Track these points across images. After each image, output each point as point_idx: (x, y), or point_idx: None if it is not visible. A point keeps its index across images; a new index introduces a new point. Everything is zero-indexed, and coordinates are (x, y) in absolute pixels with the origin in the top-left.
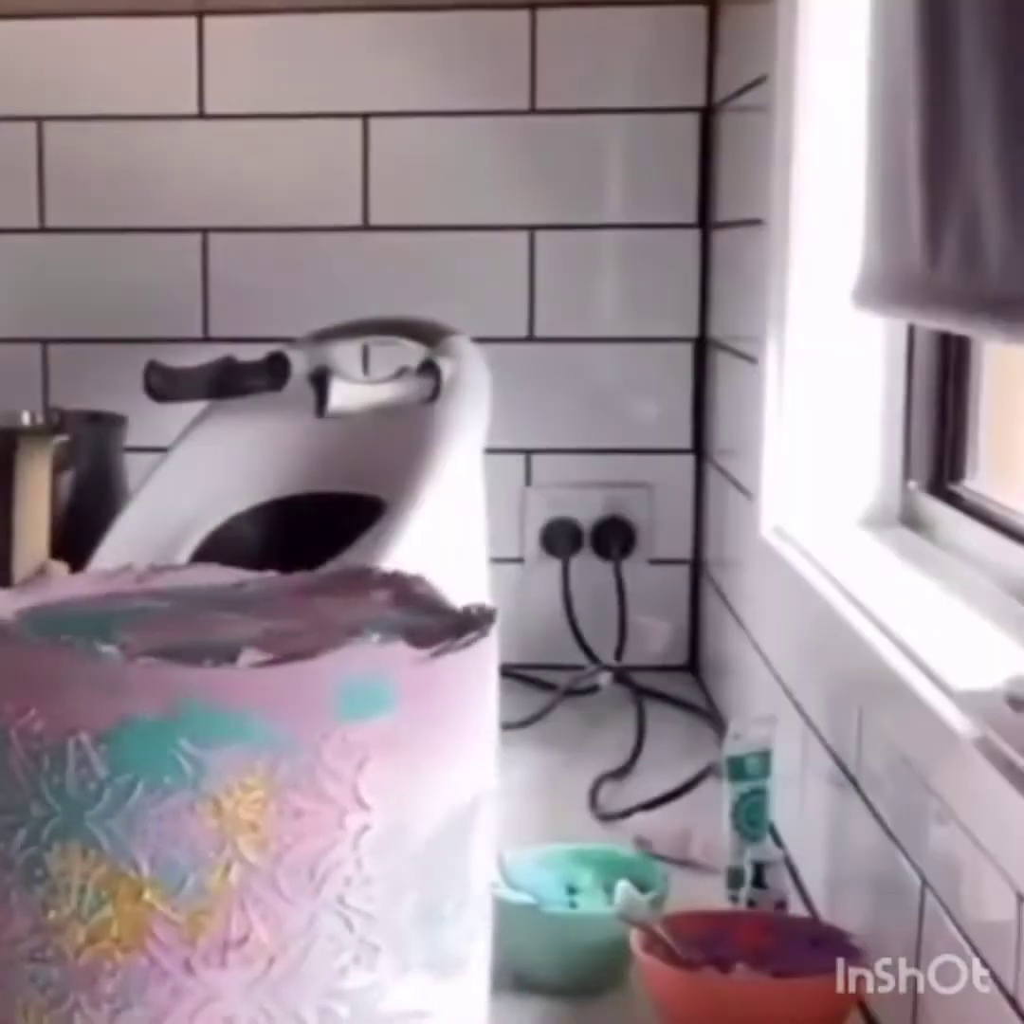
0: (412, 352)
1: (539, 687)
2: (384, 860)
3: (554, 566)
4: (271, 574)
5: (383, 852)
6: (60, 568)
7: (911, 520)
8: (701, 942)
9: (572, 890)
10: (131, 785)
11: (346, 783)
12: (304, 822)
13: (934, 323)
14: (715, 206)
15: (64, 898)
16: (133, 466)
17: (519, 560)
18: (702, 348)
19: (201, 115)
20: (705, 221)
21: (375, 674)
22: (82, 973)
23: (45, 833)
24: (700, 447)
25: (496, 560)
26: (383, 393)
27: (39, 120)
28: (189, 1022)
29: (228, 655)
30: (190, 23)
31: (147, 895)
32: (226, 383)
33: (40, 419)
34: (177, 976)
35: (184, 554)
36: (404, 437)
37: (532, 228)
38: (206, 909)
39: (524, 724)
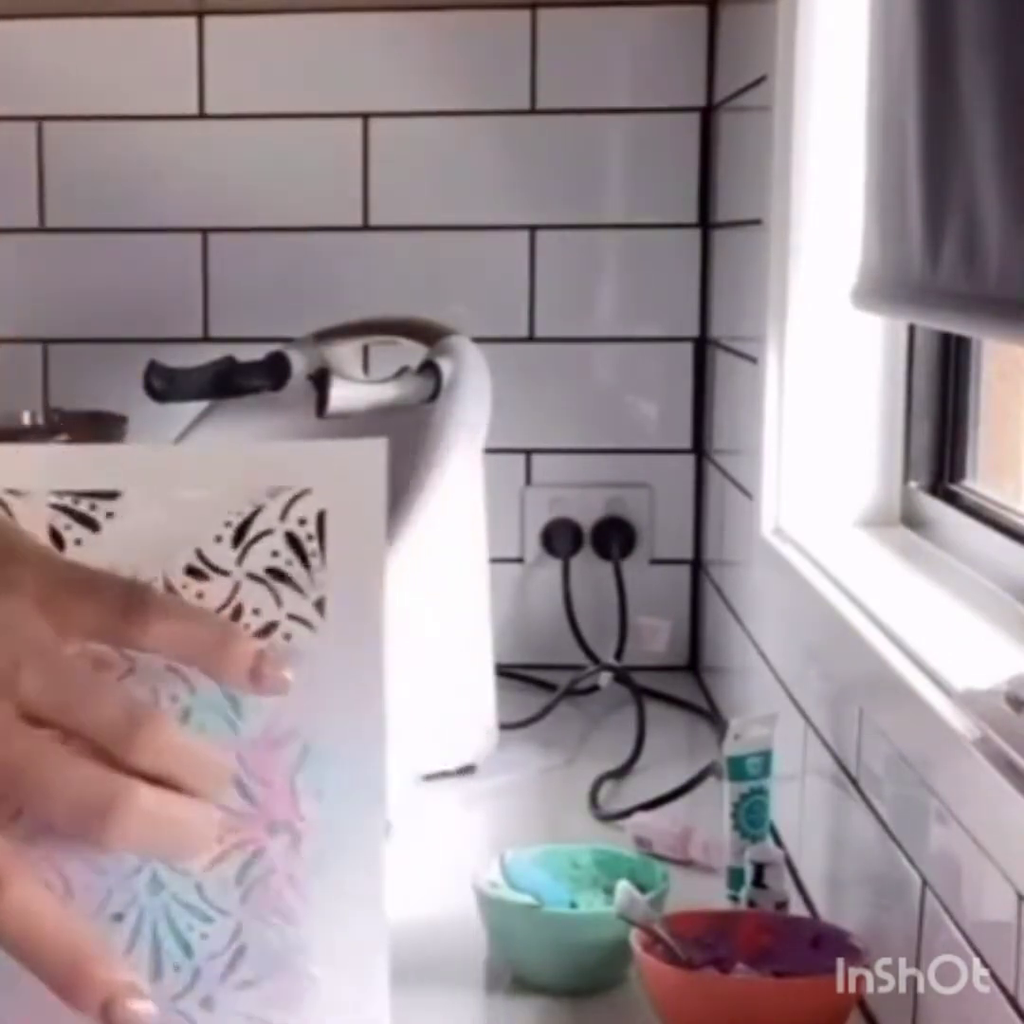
0: (412, 352)
1: (539, 687)
2: None
3: (554, 566)
4: None
5: None
6: None
7: (911, 520)
8: (701, 942)
9: (572, 890)
10: None
11: None
12: None
13: (934, 323)
14: (715, 206)
15: None
16: None
17: (519, 560)
18: (702, 348)
19: (201, 115)
20: (705, 221)
21: None
22: None
23: None
24: (700, 447)
25: (496, 560)
26: (383, 393)
27: (39, 120)
28: None
29: None
30: (190, 23)
31: None
32: (226, 383)
33: (40, 419)
34: None
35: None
36: (404, 437)
37: (532, 228)
38: None
39: (524, 724)
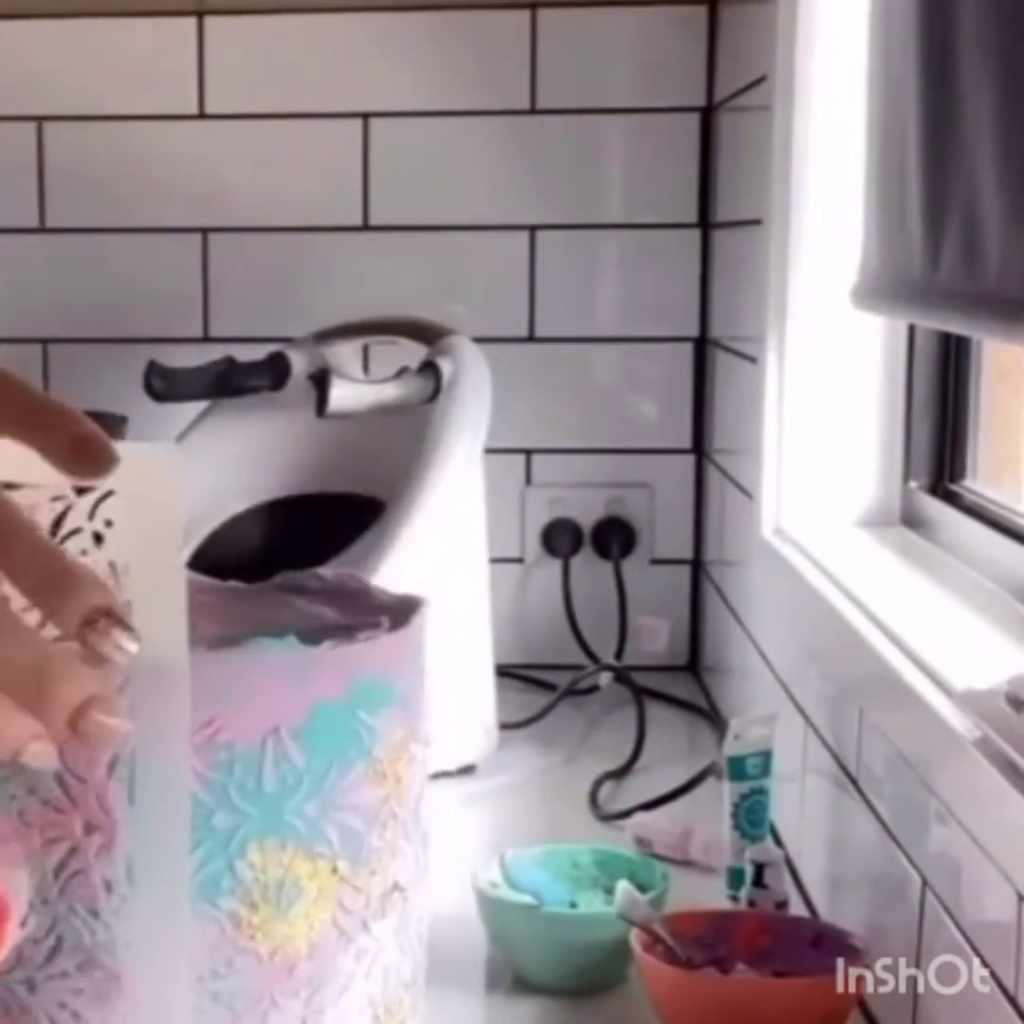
0: (412, 352)
1: (539, 687)
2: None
3: (554, 566)
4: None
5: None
6: None
7: (911, 520)
8: (701, 942)
9: (572, 890)
10: (327, 768)
11: (426, 725)
12: (416, 767)
13: (934, 323)
14: (715, 206)
15: (262, 898)
16: None
17: (519, 560)
18: (702, 348)
19: (201, 115)
20: (705, 221)
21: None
22: (277, 970)
23: (235, 842)
24: (700, 447)
25: (496, 560)
26: (383, 393)
27: (39, 120)
28: (366, 979)
29: (346, 633)
30: (190, 23)
31: (340, 869)
32: (226, 383)
33: None
34: (358, 938)
35: (184, 554)
36: (404, 437)
37: (532, 228)
38: (374, 867)
39: (524, 724)
